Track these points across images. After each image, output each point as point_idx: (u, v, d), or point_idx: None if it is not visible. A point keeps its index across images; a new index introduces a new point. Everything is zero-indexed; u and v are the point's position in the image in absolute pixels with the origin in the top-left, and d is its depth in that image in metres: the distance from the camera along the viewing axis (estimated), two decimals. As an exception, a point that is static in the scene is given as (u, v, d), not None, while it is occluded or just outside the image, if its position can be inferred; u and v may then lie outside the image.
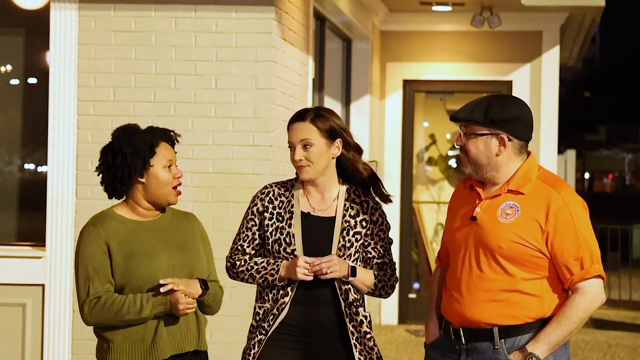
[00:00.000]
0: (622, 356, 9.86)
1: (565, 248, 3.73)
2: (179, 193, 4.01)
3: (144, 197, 3.98)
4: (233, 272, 4.13)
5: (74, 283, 6.47)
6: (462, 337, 3.82)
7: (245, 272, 4.08)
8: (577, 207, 3.78)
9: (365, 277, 4.05)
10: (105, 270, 3.89)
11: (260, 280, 4.05)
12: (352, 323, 4.02)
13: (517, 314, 3.76)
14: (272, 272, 4.02)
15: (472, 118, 3.83)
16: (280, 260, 4.03)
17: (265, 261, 4.06)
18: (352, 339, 4.02)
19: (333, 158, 4.08)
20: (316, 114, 4.07)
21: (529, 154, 3.89)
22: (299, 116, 4.09)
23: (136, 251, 3.91)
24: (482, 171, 3.84)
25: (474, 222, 3.82)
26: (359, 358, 4.02)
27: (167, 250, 3.95)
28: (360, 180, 4.14)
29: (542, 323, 3.77)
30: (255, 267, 4.06)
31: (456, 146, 3.91)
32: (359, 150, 4.14)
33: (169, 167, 3.98)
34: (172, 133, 4.07)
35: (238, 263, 4.10)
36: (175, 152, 4.08)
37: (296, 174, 4.15)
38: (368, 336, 4.02)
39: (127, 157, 3.92)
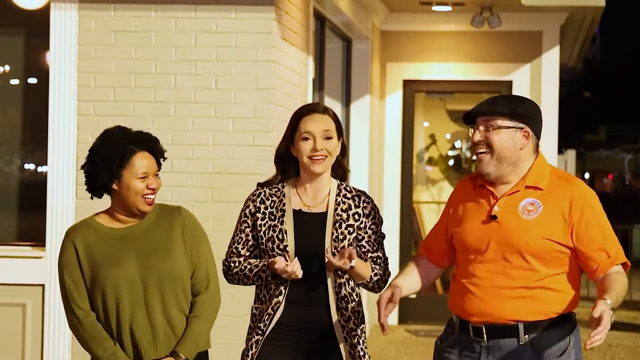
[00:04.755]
0: (622, 356, 9.86)
1: (591, 239, 3.77)
2: (150, 202, 3.97)
3: (118, 204, 3.99)
4: (229, 275, 4.14)
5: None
6: (484, 335, 3.80)
7: (240, 272, 4.08)
8: (595, 198, 3.83)
9: (363, 267, 4.03)
10: (80, 282, 3.94)
11: (255, 279, 4.05)
12: (342, 317, 4.02)
13: (543, 310, 3.77)
14: (264, 268, 4.02)
15: (498, 110, 3.83)
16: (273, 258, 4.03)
17: (258, 260, 4.07)
18: (343, 332, 4.02)
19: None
20: (331, 110, 4.14)
21: (538, 152, 3.92)
22: (316, 108, 4.11)
23: (100, 261, 3.93)
24: (504, 165, 3.82)
25: (494, 221, 3.82)
26: (348, 351, 4.02)
27: (136, 256, 3.94)
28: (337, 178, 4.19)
29: (562, 318, 3.80)
30: (249, 266, 4.06)
31: (475, 141, 3.84)
32: (345, 151, 4.20)
33: (145, 177, 3.95)
34: (156, 145, 4.02)
35: (232, 265, 4.11)
36: (164, 159, 4.06)
37: (279, 170, 4.14)
38: (353, 333, 4.02)
39: (97, 166, 3.95)
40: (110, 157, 3.92)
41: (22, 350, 6.61)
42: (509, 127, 3.81)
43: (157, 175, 4.00)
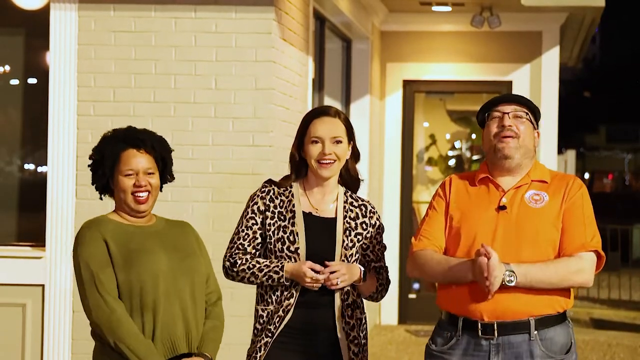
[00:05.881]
0: (622, 356, 9.86)
1: (574, 214, 3.81)
2: (141, 201, 3.90)
3: (118, 204, 3.96)
4: (233, 271, 4.04)
5: (74, 284, 6.51)
6: (495, 332, 3.76)
7: (247, 270, 4.00)
8: (586, 192, 3.90)
9: (372, 281, 4.08)
10: (109, 267, 3.80)
11: (264, 279, 3.98)
12: (346, 325, 4.02)
13: (552, 303, 3.78)
14: (277, 269, 3.97)
15: (528, 104, 3.96)
16: (283, 259, 4.00)
17: (268, 260, 4.01)
18: (347, 339, 4.02)
19: (346, 159, 4.11)
20: (343, 114, 4.12)
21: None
22: (327, 111, 4.09)
23: (134, 248, 3.84)
24: (524, 156, 3.91)
25: (502, 212, 3.83)
26: (350, 358, 4.02)
27: (165, 250, 3.89)
28: (345, 184, 4.17)
29: (564, 315, 3.83)
30: (258, 265, 3.99)
31: (506, 124, 3.88)
32: (358, 156, 4.17)
33: (131, 175, 3.89)
34: (152, 143, 3.96)
35: (239, 262, 4.02)
36: (163, 158, 4.01)
37: (292, 173, 4.14)
38: (355, 342, 4.02)
39: (97, 166, 3.93)
40: (105, 157, 3.90)
41: (22, 350, 6.61)
42: (531, 122, 3.94)
43: (150, 173, 3.92)
